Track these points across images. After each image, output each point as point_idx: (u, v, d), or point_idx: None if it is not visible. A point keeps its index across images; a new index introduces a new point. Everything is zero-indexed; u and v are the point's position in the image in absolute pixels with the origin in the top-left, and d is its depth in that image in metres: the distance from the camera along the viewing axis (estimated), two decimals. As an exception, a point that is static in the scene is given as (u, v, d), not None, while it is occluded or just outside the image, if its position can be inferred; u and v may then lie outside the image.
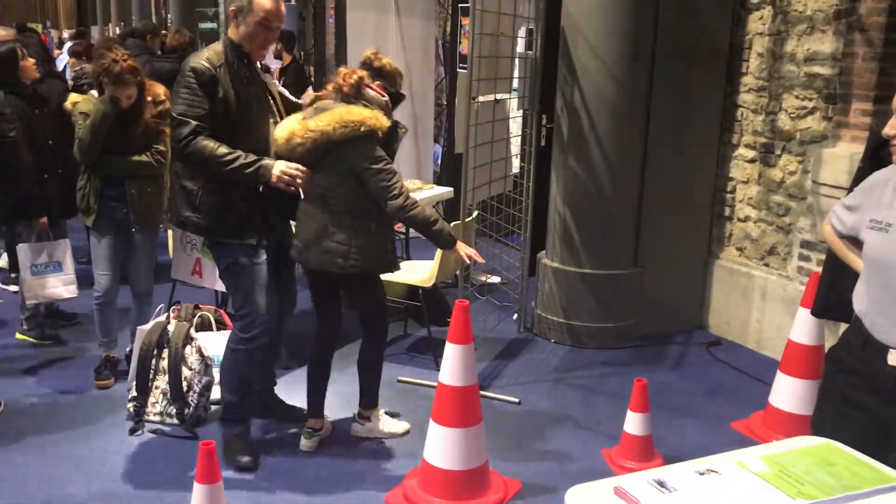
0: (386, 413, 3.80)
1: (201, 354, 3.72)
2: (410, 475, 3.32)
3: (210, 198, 3.21)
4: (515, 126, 5.51)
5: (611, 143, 4.68)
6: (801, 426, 3.44)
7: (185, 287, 4.63)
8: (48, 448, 3.54)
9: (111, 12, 21.05)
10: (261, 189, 3.25)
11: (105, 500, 3.18)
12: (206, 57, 3.17)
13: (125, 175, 3.95)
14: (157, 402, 3.73)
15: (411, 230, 5.06)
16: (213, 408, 3.82)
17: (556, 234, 4.95)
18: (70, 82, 6.13)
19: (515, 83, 5.04)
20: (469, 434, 3.10)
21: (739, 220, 5.00)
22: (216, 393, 3.82)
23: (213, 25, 11.11)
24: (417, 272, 4.53)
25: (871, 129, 3.95)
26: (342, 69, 3.38)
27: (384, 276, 3.54)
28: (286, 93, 3.69)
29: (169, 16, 14.98)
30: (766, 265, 4.83)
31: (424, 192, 5.43)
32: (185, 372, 3.69)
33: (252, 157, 3.15)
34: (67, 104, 4.12)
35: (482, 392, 3.67)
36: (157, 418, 3.71)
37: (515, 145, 5.60)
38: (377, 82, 3.38)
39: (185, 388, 3.67)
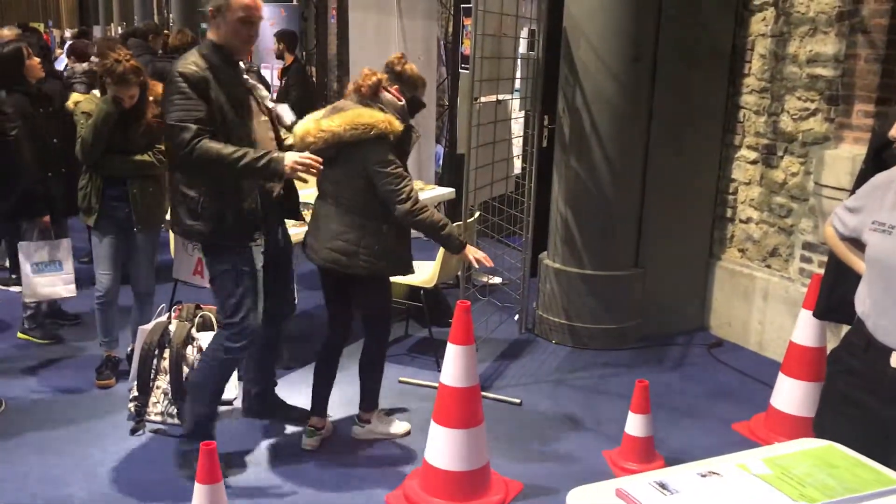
0: (386, 414, 3.80)
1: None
2: (411, 476, 3.32)
3: (212, 204, 3.14)
4: (517, 127, 5.50)
5: (612, 144, 4.68)
6: (803, 428, 3.44)
7: (186, 287, 4.63)
8: (49, 448, 3.54)
9: (113, 12, 21.06)
10: (275, 182, 3.25)
11: (105, 499, 3.18)
12: (191, 61, 3.10)
13: (127, 175, 3.95)
14: (158, 402, 3.72)
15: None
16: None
17: (558, 235, 4.94)
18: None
19: (517, 84, 5.04)
20: (470, 435, 3.09)
21: (741, 221, 5.00)
22: (217, 393, 3.83)
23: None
24: (419, 273, 4.52)
25: (874, 130, 3.95)
26: (365, 70, 3.42)
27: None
28: (263, 93, 3.50)
29: (171, 16, 14.98)
30: (768, 266, 4.83)
31: (426, 193, 5.42)
32: (187, 372, 3.68)
33: (260, 152, 3.09)
34: (69, 104, 4.13)
35: (483, 393, 3.67)
36: (159, 418, 3.70)
37: (517, 146, 5.60)
38: (395, 86, 3.40)
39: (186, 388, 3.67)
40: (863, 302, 2.16)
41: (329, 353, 3.60)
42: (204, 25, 11.76)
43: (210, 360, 3.31)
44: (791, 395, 3.75)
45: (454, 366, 3.06)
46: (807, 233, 4.50)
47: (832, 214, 2.38)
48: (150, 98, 3.98)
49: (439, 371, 3.17)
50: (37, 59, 4.53)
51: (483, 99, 4.45)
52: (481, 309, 4.91)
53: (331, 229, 3.32)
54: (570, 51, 4.68)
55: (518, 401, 4.12)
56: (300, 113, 7.84)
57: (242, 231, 3.21)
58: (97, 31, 19.29)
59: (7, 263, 5.55)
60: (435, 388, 3.27)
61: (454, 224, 3.93)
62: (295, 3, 11.37)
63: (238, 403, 3.91)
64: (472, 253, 3.36)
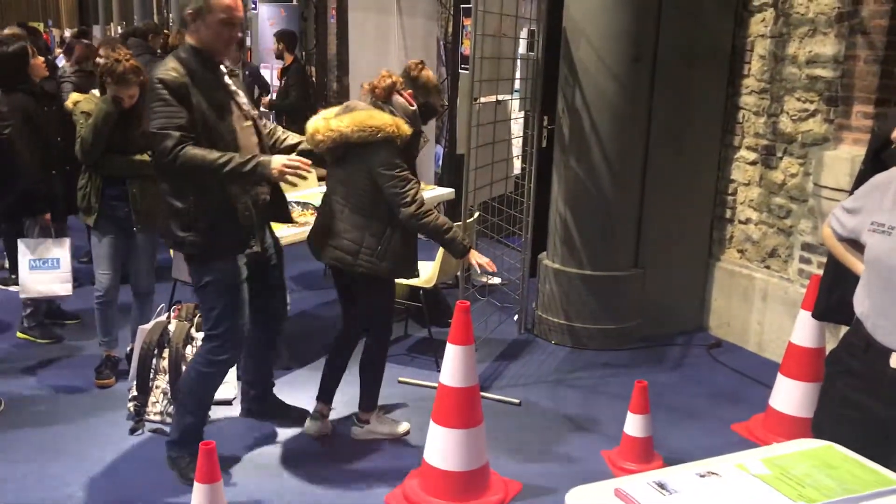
0: (386, 414, 3.80)
1: (202, 354, 3.72)
2: (411, 476, 3.32)
3: (203, 214, 3.07)
4: (517, 127, 5.50)
5: (612, 145, 4.68)
6: (802, 429, 3.44)
7: (185, 287, 4.60)
8: (48, 447, 3.54)
9: (113, 11, 21.06)
10: (261, 188, 3.18)
11: (105, 499, 3.19)
12: (170, 67, 3.02)
13: (127, 174, 3.95)
14: (157, 402, 3.73)
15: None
16: (214, 408, 3.82)
17: (557, 236, 4.95)
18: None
19: (517, 84, 5.04)
20: (469, 435, 3.10)
21: (740, 222, 5.00)
22: (218, 393, 3.82)
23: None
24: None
25: (873, 131, 3.96)
26: (383, 71, 3.45)
27: None
28: (243, 98, 3.34)
29: (170, 15, 14.99)
30: (767, 267, 4.83)
31: (426, 193, 5.41)
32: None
33: (246, 156, 3.03)
34: (68, 103, 4.13)
35: (483, 393, 3.67)
36: (158, 418, 3.71)
37: (517, 146, 5.60)
38: (409, 91, 3.43)
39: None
40: (861, 303, 2.16)
41: (340, 345, 3.67)
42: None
43: (195, 373, 3.28)
44: (790, 396, 3.75)
45: (453, 366, 3.06)
46: (806, 234, 4.50)
47: (830, 215, 2.38)
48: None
49: (439, 371, 3.18)
50: (41, 59, 4.56)
51: (483, 99, 4.45)
52: (481, 309, 4.91)
53: (336, 227, 3.35)
54: (569, 51, 4.69)
55: (517, 401, 4.12)
56: (299, 113, 7.89)
57: (235, 240, 3.15)
58: (97, 31, 19.29)
59: (6, 264, 5.55)
60: (434, 388, 3.27)
61: (456, 224, 3.94)
62: (294, 2, 11.36)
63: (237, 403, 3.91)
64: (476, 258, 3.37)
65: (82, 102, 4.01)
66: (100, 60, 4.04)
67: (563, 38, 4.72)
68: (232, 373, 3.86)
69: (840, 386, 2.19)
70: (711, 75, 4.87)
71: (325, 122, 3.28)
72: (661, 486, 1.55)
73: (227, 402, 3.92)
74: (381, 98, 3.35)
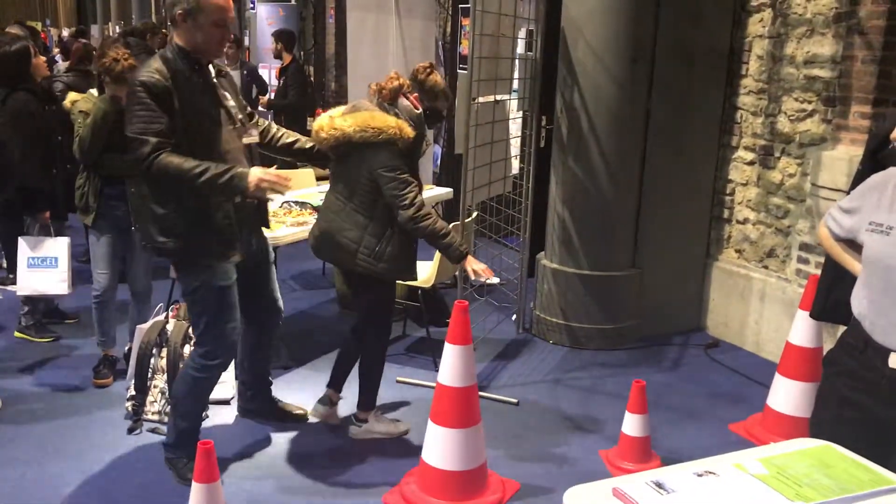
0: (384, 413, 3.80)
1: (200, 354, 3.71)
2: (409, 475, 3.32)
3: (184, 220, 3.01)
4: (515, 127, 5.51)
5: (610, 145, 4.68)
6: (799, 428, 3.45)
7: (183, 286, 4.62)
8: (45, 446, 3.53)
9: (111, 11, 21.06)
10: (237, 200, 3.07)
11: (102, 499, 3.18)
12: (154, 69, 2.93)
13: (125, 174, 3.94)
14: (155, 401, 3.73)
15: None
16: (212, 407, 3.82)
17: (555, 236, 4.95)
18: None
19: (515, 84, 5.04)
20: (468, 435, 3.10)
21: (738, 222, 5.01)
22: (215, 392, 3.82)
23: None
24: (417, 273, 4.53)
25: (871, 131, 3.96)
26: (392, 73, 3.46)
27: None
28: (231, 102, 3.23)
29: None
30: (765, 267, 4.84)
31: (424, 193, 5.42)
32: (184, 371, 3.68)
33: (223, 167, 2.93)
34: (66, 103, 4.13)
35: (481, 393, 3.67)
36: (156, 417, 3.70)
37: (515, 146, 5.60)
38: (415, 94, 3.44)
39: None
40: (859, 303, 2.16)
41: (355, 336, 3.69)
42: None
43: (188, 377, 3.26)
44: (787, 396, 3.75)
45: (452, 365, 3.06)
46: (803, 234, 4.51)
47: (826, 215, 2.38)
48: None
49: (437, 371, 3.18)
50: (42, 58, 4.57)
51: (481, 99, 4.45)
52: (479, 309, 4.91)
53: (336, 225, 3.38)
54: (568, 52, 4.69)
55: (515, 401, 4.12)
56: (298, 112, 7.89)
57: (216, 248, 3.09)
58: (95, 31, 19.28)
59: (4, 263, 5.55)
60: (432, 387, 3.27)
61: (451, 224, 3.94)
62: (293, 2, 11.36)
63: (234, 403, 3.91)
64: (472, 264, 3.36)
65: (80, 102, 4.00)
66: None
67: (562, 38, 4.72)
68: (230, 372, 3.86)
69: (838, 386, 2.19)
70: (709, 75, 4.87)
71: (330, 121, 3.30)
72: (659, 485, 1.55)
73: (225, 402, 3.92)
74: (387, 100, 3.38)
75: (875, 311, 2.09)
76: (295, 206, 4.70)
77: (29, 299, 4.61)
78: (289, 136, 3.49)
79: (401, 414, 3.92)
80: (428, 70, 3.50)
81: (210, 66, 3.11)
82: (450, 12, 7.69)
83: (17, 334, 4.73)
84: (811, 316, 3.22)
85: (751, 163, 4.87)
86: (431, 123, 3.62)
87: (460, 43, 6.73)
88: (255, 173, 2.96)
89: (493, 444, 3.59)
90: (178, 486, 3.19)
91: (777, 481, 1.59)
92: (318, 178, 5.91)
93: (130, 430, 3.66)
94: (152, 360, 3.74)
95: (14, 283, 5.06)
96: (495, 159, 4.73)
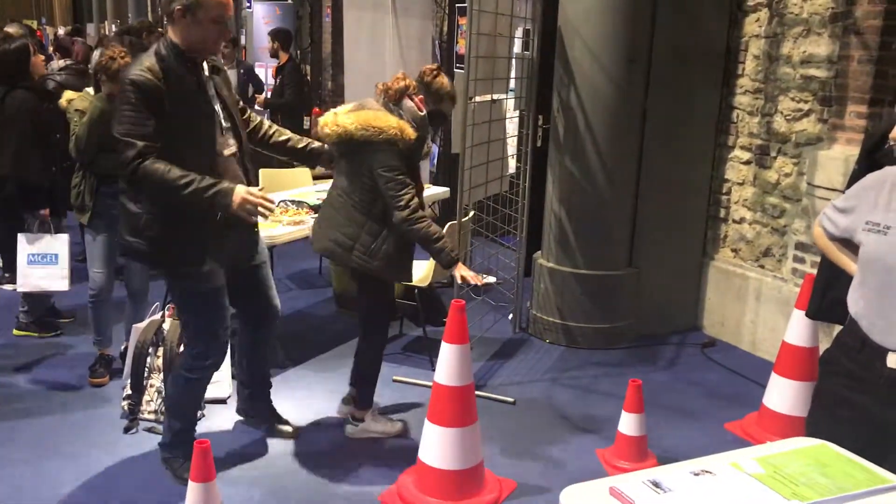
0: (380, 412, 3.80)
1: (196, 353, 3.71)
2: (405, 474, 3.32)
3: (157, 222, 2.90)
4: (512, 126, 5.51)
5: (607, 144, 4.69)
6: (795, 427, 3.46)
7: (180, 285, 4.62)
8: (41, 446, 3.53)
9: (107, 9, 21.01)
10: (218, 217, 2.96)
11: (98, 497, 3.18)
12: (146, 66, 2.81)
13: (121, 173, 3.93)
14: (151, 401, 3.72)
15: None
16: (208, 406, 3.82)
17: (552, 235, 4.95)
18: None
19: (512, 84, 5.04)
20: (464, 434, 3.10)
21: (734, 221, 5.02)
22: (211, 391, 3.82)
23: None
24: (413, 272, 4.53)
25: (867, 131, 3.97)
26: (399, 73, 3.48)
27: None
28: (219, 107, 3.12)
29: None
30: (761, 267, 4.85)
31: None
32: (180, 370, 3.68)
33: (208, 180, 2.82)
34: (62, 101, 4.12)
35: (477, 392, 3.67)
36: (152, 416, 3.70)
37: (512, 146, 5.60)
38: (420, 96, 3.45)
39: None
40: (856, 302, 2.16)
41: None
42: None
43: (179, 379, 3.23)
44: (783, 395, 3.76)
45: (448, 365, 3.06)
46: (800, 233, 4.52)
47: (821, 215, 2.38)
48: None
49: (433, 370, 3.18)
50: (41, 56, 4.58)
51: (478, 98, 4.46)
52: (475, 308, 4.91)
53: (334, 220, 3.41)
54: (564, 51, 4.69)
55: (512, 400, 4.12)
56: (294, 111, 7.88)
57: (194, 254, 2.97)
58: (91, 29, 19.24)
59: (0, 262, 5.54)
60: (429, 386, 3.27)
61: (448, 223, 3.95)
62: (289, 1, 11.34)
63: (231, 402, 3.90)
64: (462, 271, 3.35)
65: (76, 100, 4.00)
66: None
67: (559, 37, 4.72)
68: (226, 372, 3.86)
69: (835, 385, 2.20)
70: (706, 75, 4.88)
71: (335, 117, 3.33)
72: (656, 484, 1.56)
73: (222, 402, 3.91)
74: (392, 100, 3.39)
75: (873, 311, 2.10)
76: (291, 205, 4.69)
77: (29, 297, 4.61)
78: (281, 133, 3.44)
79: (397, 413, 3.92)
80: (435, 72, 3.51)
81: (204, 64, 3.03)
82: (446, 11, 7.68)
83: (16, 332, 4.73)
84: (807, 315, 3.24)
85: (747, 162, 4.88)
86: (436, 126, 3.64)
87: (457, 42, 6.73)
88: (240, 193, 2.86)
89: (490, 443, 3.60)
90: (175, 486, 3.18)
91: (773, 480, 1.59)
92: (315, 178, 5.91)
93: (127, 430, 3.66)
94: (148, 360, 3.74)
95: (9, 281, 5.07)
96: (492, 158, 4.74)
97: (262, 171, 5.29)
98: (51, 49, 12.80)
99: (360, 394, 3.67)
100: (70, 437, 3.61)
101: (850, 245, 2.25)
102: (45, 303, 4.83)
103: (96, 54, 5.75)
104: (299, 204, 4.72)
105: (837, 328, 2.36)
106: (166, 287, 3.21)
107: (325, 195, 4.98)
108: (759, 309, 4.78)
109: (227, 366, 3.80)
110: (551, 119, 4.92)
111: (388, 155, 3.26)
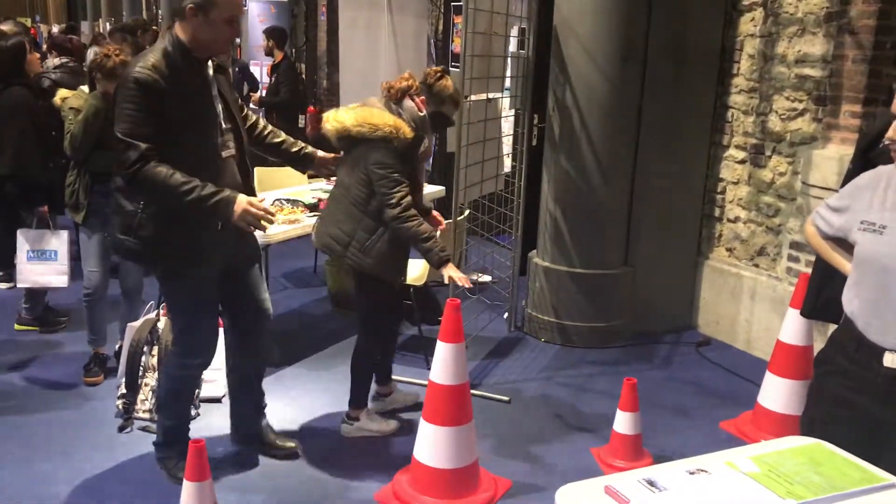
0: (376, 411, 3.80)
1: (191, 352, 3.70)
2: (401, 474, 3.32)
3: (151, 222, 2.86)
4: (507, 125, 5.51)
5: (602, 143, 4.69)
6: (790, 426, 3.46)
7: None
8: (36, 445, 3.52)
9: (101, 7, 20.93)
10: (219, 227, 2.93)
11: (93, 497, 3.17)
12: (151, 64, 2.75)
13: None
14: (146, 400, 3.71)
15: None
16: (203, 405, 3.81)
17: (547, 234, 4.96)
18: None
19: (508, 82, 5.04)
20: (459, 433, 3.10)
21: (729, 220, 5.02)
22: (206, 390, 3.82)
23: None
24: (409, 271, 4.53)
25: (861, 130, 3.98)
26: (405, 73, 3.52)
27: None
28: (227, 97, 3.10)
29: (159, 11, 14.91)
30: (756, 266, 4.86)
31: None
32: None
33: (210, 189, 2.79)
34: (56, 99, 4.11)
35: (472, 391, 3.67)
36: (147, 415, 3.69)
37: (507, 144, 5.60)
38: (422, 97, 3.47)
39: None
40: (850, 302, 2.16)
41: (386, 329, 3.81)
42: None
43: (168, 377, 3.21)
44: (778, 394, 3.77)
45: (444, 363, 3.06)
46: (794, 232, 4.53)
47: (813, 213, 2.38)
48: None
49: (429, 369, 3.18)
50: (36, 54, 4.58)
51: (473, 97, 4.45)
52: (471, 307, 4.91)
53: (334, 216, 3.46)
54: (560, 50, 4.69)
55: (507, 398, 4.13)
56: (290, 109, 7.86)
57: (181, 255, 2.94)
58: (85, 27, 19.18)
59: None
60: (424, 385, 3.27)
61: (445, 222, 3.94)
62: (285, -1, 11.33)
63: (226, 401, 3.89)
64: (451, 271, 3.32)
65: (71, 99, 3.99)
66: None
67: (554, 36, 4.72)
68: (221, 371, 3.85)
69: (830, 384, 2.20)
70: (701, 74, 4.88)
71: (335, 114, 3.39)
72: (651, 483, 1.56)
73: (217, 400, 3.91)
74: (394, 99, 3.43)
75: (868, 310, 2.10)
76: (286, 203, 4.68)
77: (31, 293, 4.63)
78: (276, 135, 3.41)
79: (392, 412, 3.92)
80: (439, 74, 3.54)
81: (209, 62, 2.98)
82: (442, 10, 7.68)
83: (17, 327, 4.75)
84: (802, 314, 3.25)
85: (742, 161, 4.88)
86: (437, 128, 3.66)
87: (452, 41, 6.74)
88: (242, 204, 2.83)
89: (485, 442, 3.60)
90: (170, 485, 3.18)
91: (768, 479, 1.59)
92: (310, 177, 5.90)
93: (121, 429, 3.65)
94: (143, 358, 3.73)
95: (4, 280, 5.07)
96: (487, 157, 4.73)
97: (256, 170, 5.27)
98: (45, 47, 12.76)
99: (355, 393, 3.67)
100: (64, 436, 3.60)
101: (843, 244, 2.25)
102: (40, 301, 4.82)
103: (91, 52, 5.73)
104: (294, 202, 4.71)
105: (832, 327, 2.36)
106: (158, 286, 3.19)
107: (319, 194, 5.02)
108: (754, 308, 4.79)
109: (222, 364, 3.78)
110: (546, 118, 4.92)
111: (383, 152, 3.29)
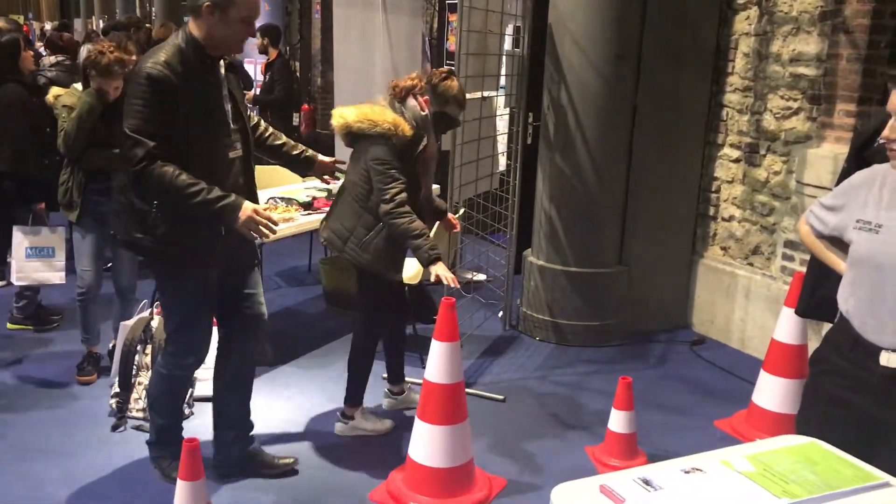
0: (370, 410, 3.80)
1: (185, 350, 3.69)
2: (395, 472, 3.31)
3: (167, 220, 2.83)
4: (502, 124, 5.51)
5: (597, 142, 4.69)
6: (784, 425, 3.47)
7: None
8: (28, 445, 3.50)
9: (94, 5, 20.87)
10: (223, 231, 2.90)
11: (86, 497, 3.16)
12: (163, 60, 2.72)
13: (110, 169, 3.91)
14: (139, 399, 3.70)
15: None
16: (196, 405, 3.80)
17: (542, 232, 4.95)
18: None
19: (502, 81, 5.04)
20: (454, 431, 3.09)
21: (724, 219, 5.03)
22: (200, 389, 3.81)
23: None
24: (404, 269, 4.52)
25: (856, 129, 3.99)
26: (413, 73, 3.57)
27: None
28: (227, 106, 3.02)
29: (153, 9, 14.87)
30: (750, 264, 4.86)
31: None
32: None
33: (216, 192, 2.76)
34: (49, 97, 4.10)
35: (467, 389, 3.67)
36: (140, 414, 3.68)
37: (502, 143, 5.60)
38: (426, 97, 3.48)
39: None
40: (846, 301, 2.16)
41: (394, 324, 3.83)
42: (188, 18, 11.67)
43: (160, 376, 3.18)
44: (773, 393, 3.77)
45: (438, 362, 3.06)
46: (789, 231, 4.53)
47: (807, 212, 2.38)
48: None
49: (424, 368, 3.18)
50: (30, 52, 4.58)
51: (468, 95, 4.44)
52: (466, 306, 4.91)
53: (337, 211, 3.52)
54: (555, 48, 4.69)
55: (502, 397, 4.12)
56: (284, 108, 7.84)
57: (197, 254, 2.93)
58: (78, 25, 19.12)
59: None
60: (419, 384, 3.27)
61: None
62: (279, -3, 11.31)
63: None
64: (439, 270, 3.28)
65: (64, 96, 3.97)
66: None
67: (549, 34, 4.72)
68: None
69: (826, 383, 2.20)
70: (696, 73, 4.88)
71: (340, 110, 3.45)
72: (647, 482, 1.56)
73: (210, 399, 3.88)
74: (398, 97, 3.47)
75: (864, 309, 2.10)
76: (281, 202, 4.67)
77: (22, 293, 4.62)
78: (277, 137, 3.38)
79: (387, 411, 3.92)
80: (444, 75, 3.54)
81: (222, 61, 2.95)
82: (437, 8, 7.68)
83: (10, 326, 4.73)
84: (797, 313, 3.25)
85: (736, 160, 4.89)
86: (441, 129, 3.66)
87: (447, 39, 6.73)
88: (247, 211, 2.80)
89: (480, 440, 3.59)
90: (164, 484, 3.16)
91: (763, 478, 1.59)
92: (304, 176, 5.88)
93: (115, 428, 3.64)
94: (137, 357, 3.72)
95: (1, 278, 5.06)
96: (482, 156, 4.74)
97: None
98: (38, 45, 12.71)
99: (351, 391, 3.66)
100: (57, 435, 3.59)
101: (837, 243, 2.25)
102: (33, 300, 4.80)
103: (84, 49, 5.71)
104: (288, 201, 4.70)
105: (826, 326, 2.36)
106: (155, 284, 3.16)
107: (314, 192, 5.01)
108: (749, 307, 4.80)
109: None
110: (541, 116, 4.92)
111: (381, 149, 3.32)
